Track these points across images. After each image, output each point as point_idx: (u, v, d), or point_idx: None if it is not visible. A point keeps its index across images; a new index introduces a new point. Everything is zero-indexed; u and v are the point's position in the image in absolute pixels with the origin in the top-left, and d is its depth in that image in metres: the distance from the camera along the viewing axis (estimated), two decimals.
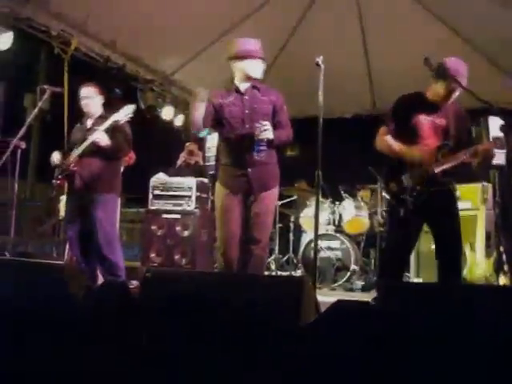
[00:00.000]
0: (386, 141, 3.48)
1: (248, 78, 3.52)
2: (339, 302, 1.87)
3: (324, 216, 6.02)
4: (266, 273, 6.16)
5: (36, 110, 4.14)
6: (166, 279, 2.23)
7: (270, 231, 3.57)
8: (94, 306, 2.19)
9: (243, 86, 3.55)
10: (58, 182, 4.09)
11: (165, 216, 5.48)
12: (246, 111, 3.48)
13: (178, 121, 7.53)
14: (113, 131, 3.93)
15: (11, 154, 4.11)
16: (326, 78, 6.00)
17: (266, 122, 3.37)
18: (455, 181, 3.44)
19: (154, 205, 5.56)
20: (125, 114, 3.92)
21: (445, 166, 3.29)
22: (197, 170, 6.26)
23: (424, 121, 3.39)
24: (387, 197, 3.61)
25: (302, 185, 6.61)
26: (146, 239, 5.49)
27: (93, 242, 3.96)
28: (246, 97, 3.52)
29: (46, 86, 4.15)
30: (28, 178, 10.19)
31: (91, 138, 3.89)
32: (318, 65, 3.25)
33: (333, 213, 6.11)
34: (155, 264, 5.30)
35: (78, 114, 4.33)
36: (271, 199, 3.55)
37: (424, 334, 1.70)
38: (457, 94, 3.35)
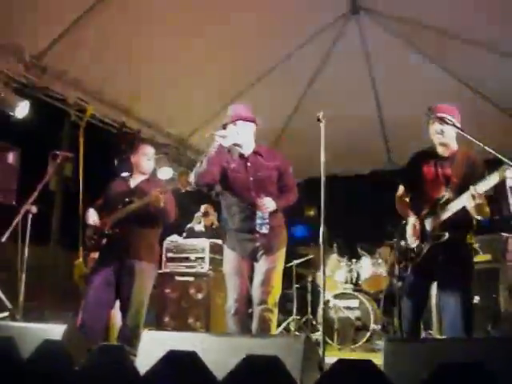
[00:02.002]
0: (401, 205, 3.57)
1: (241, 141, 3.48)
2: (340, 361, 1.78)
3: (341, 275, 5.90)
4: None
5: (48, 176, 4.16)
6: (163, 341, 2.16)
7: (279, 291, 3.47)
8: (89, 370, 2.12)
9: (246, 151, 3.52)
10: (93, 241, 3.83)
11: (178, 279, 5.44)
12: (251, 179, 3.46)
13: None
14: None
15: (23, 218, 4.10)
16: (342, 136, 6.09)
17: (265, 200, 3.33)
18: (465, 231, 3.29)
19: (168, 267, 5.52)
20: (172, 185, 3.76)
21: (441, 218, 3.23)
22: (212, 231, 6.23)
23: (428, 174, 3.39)
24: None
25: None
26: (160, 303, 5.42)
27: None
28: (249, 164, 3.49)
29: (57, 152, 4.18)
30: (50, 245, 10.24)
31: (135, 205, 3.69)
32: (319, 120, 3.22)
33: (350, 271, 5.98)
34: (169, 328, 5.20)
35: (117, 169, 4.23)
36: (278, 260, 3.51)
37: None
38: (444, 135, 3.31)
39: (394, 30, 5.74)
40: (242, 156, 3.52)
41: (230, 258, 3.52)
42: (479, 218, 3.14)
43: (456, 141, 3.39)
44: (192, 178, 3.50)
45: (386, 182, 4.20)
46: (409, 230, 3.39)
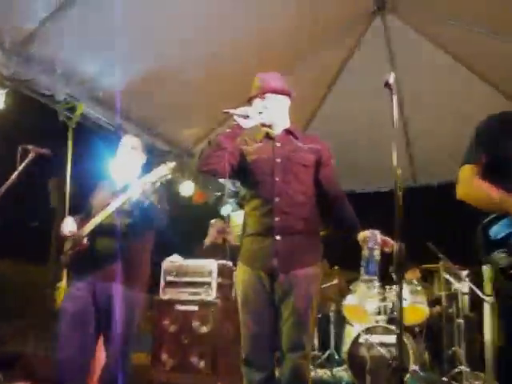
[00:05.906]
0: (482, 187, 2.22)
1: (270, 121, 2.67)
2: None
3: (372, 305, 5.06)
4: None
5: (16, 173, 3.30)
6: None
7: (314, 332, 2.55)
8: None
9: (275, 131, 2.72)
10: (68, 258, 3.08)
11: (179, 308, 4.53)
12: (278, 160, 2.62)
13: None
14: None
15: None
16: (365, 150, 5.41)
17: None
18: None
19: (167, 294, 4.62)
20: (159, 175, 2.90)
21: None
22: (225, 251, 5.41)
23: None
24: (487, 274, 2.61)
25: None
26: (157, 337, 4.53)
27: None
28: (278, 144, 2.67)
29: (29, 146, 3.32)
30: (49, 264, 9.39)
31: (113, 205, 2.92)
32: (387, 85, 2.27)
33: (383, 300, 5.11)
34: (166, 369, 4.32)
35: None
36: (311, 286, 2.55)
37: None
38: None
39: (419, 28, 5.22)
40: (268, 136, 2.73)
41: (244, 279, 2.61)
42: None
43: None
44: (196, 161, 2.66)
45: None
46: None
